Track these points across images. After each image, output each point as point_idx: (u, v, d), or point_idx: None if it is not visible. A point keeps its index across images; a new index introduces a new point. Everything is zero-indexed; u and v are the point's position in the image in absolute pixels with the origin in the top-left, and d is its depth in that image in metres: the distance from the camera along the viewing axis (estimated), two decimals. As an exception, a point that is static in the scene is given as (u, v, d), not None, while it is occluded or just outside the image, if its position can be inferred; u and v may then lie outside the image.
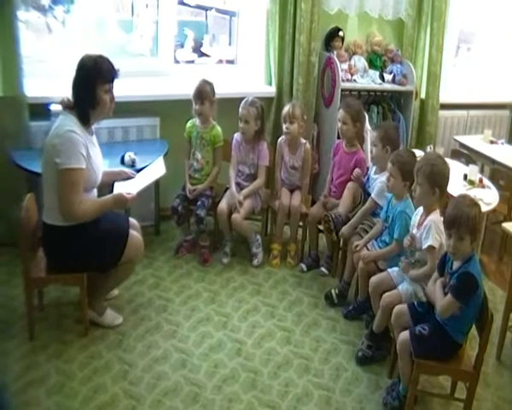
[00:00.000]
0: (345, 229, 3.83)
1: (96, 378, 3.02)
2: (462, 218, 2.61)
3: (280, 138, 4.38)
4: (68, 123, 2.99)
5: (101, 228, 3.17)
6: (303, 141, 4.34)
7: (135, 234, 3.33)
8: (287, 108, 4.22)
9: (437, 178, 2.99)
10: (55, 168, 2.92)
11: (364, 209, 3.81)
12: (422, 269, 3.07)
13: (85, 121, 3.08)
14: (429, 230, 3.00)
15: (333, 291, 3.90)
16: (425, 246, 3.01)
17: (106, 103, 3.12)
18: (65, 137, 2.93)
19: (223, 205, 4.20)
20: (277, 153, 4.38)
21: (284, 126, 4.23)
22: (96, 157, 3.18)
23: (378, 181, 3.74)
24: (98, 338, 3.33)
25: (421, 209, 3.17)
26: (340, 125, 4.10)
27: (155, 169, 3.65)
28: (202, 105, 4.14)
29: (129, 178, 3.46)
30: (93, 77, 3.04)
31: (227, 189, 4.35)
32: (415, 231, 3.14)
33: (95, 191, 3.25)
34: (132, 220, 3.49)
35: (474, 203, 2.70)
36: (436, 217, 3.03)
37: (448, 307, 2.68)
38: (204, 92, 4.13)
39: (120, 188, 3.32)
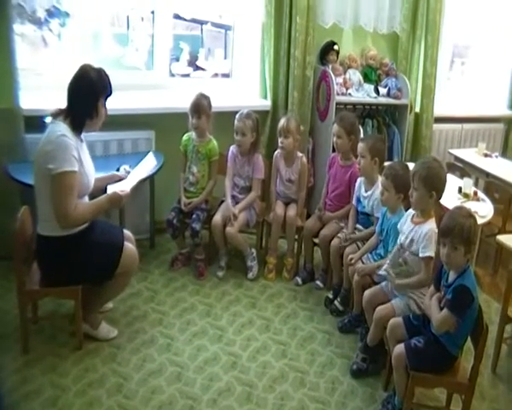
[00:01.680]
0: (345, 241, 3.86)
1: (91, 392, 3.00)
2: (456, 228, 2.62)
3: (276, 152, 4.39)
4: (59, 128, 2.98)
5: (95, 240, 3.17)
6: (299, 154, 4.35)
7: (130, 246, 3.32)
8: (282, 123, 4.21)
9: (433, 181, 2.98)
10: (49, 175, 2.91)
11: (372, 230, 3.75)
12: (414, 278, 3.07)
13: (78, 129, 3.08)
14: (430, 239, 2.99)
15: (330, 295, 4.02)
16: (424, 255, 3.01)
17: (102, 116, 3.15)
18: (57, 142, 2.93)
19: (217, 218, 4.20)
20: (273, 166, 4.38)
21: (279, 141, 4.24)
22: (87, 163, 3.18)
23: (373, 198, 3.75)
24: (93, 351, 3.31)
25: (411, 211, 3.19)
26: (335, 139, 4.10)
27: (146, 164, 3.64)
28: (199, 119, 4.15)
29: (121, 180, 3.45)
30: (98, 89, 3.07)
31: (222, 202, 4.35)
32: (406, 226, 3.15)
33: (86, 199, 3.23)
34: (127, 232, 3.48)
35: (470, 215, 2.71)
36: (435, 226, 3.02)
37: (444, 321, 2.68)
38: (201, 106, 4.14)
39: (113, 189, 3.29)
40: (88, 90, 3.04)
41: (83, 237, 3.11)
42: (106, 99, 3.14)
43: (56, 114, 3.07)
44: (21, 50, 4.05)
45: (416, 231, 3.08)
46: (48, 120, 3.11)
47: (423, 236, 3.03)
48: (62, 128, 2.99)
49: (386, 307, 3.16)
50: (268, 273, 4.34)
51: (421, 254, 3.03)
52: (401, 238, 3.17)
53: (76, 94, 3.05)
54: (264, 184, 4.48)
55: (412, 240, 3.08)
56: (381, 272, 3.27)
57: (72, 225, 3.06)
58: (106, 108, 3.16)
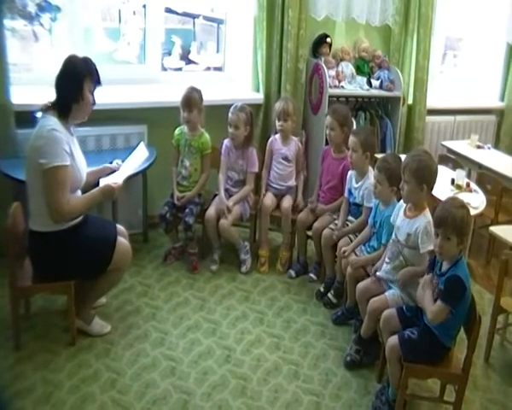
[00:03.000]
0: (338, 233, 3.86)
1: (84, 388, 2.99)
2: (449, 218, 2.62)
3: (271, 137, 4.42)
4: (49, 123, 2.97)
5: (88, 234, 3.17)
6: (295, 138, 4.39)
7: (123, 240, 3.31)
8: (281, 106, 4.23)
9: (424, 173, 2.97)
10: (41, 170, 2.90)
11: (362, 219, 3.78)
12: (418, 268, 3.06)
13: (66, 116, 3.06)
14: (428, 234, 2.98)
15: (321, 288, 4.01)
16: (426, 250, 3.00)
17: (89, 102, 3.12)
18: (48, 136, 2.92)
19: (211, 211, 4.19)
20: (267, 151, 4.39)
21: (278, 124, 4.26)
22: (79, 157, 3.17)
23: (363, 188, 3.77)
24: (86, 347, 3.31)
25: (402, 203, 3.19)
26: (328, 131, 4.10)
27: (137, 155, 3.62)
28: (190, 113, 4.13)
29: (113, 172, 3.43)
30: (82, 72, 3.05)
31: (215, 195, 4.34)
32: (399, 220, 3.14)
33: (79, 193, 3.22)
34: (120, 227, 3.47)
35: (463, 205, 2.72)
36: (430, 218, 3.00)
37: (438, 312, 2.69)
38: (192, 100, 4.12)
39: (106, 181, 3.28)
40: (72, 74, 3.03)
41: (75, 232, 3.11)
42: (94, 87, 3.12)
43: (46, 109, 3.06)
44: (12, 45, 4.03)
45: (411, 225, 3.06)
46: (39, 114, 3.10)
47: (421, 231, 3.01)
48: (53, 122, 2.98)
49: (379, 299, 3.16)
50: (260, 267, 4.34)
51: (422, 251, 3.02)
52: (396, 234, 3.17)
53: (61, 79, 3.04)
54: (258, 178, 4.47)
55: (409, 234, 3.06)
56: (381, 275, 3.26)
57: (65, 219, 3.05)
58: (93, 95, 3.14)
